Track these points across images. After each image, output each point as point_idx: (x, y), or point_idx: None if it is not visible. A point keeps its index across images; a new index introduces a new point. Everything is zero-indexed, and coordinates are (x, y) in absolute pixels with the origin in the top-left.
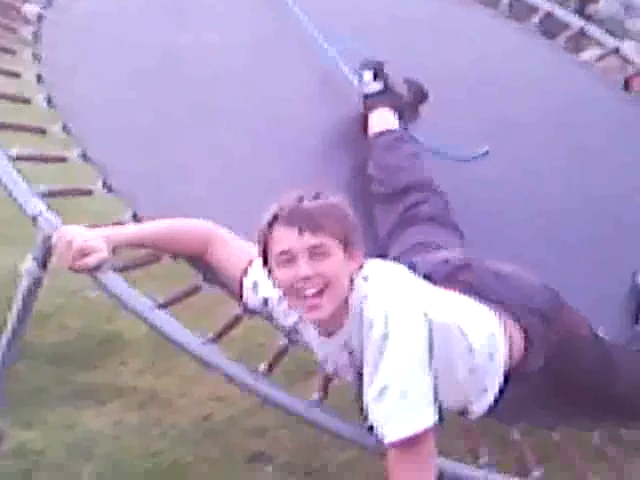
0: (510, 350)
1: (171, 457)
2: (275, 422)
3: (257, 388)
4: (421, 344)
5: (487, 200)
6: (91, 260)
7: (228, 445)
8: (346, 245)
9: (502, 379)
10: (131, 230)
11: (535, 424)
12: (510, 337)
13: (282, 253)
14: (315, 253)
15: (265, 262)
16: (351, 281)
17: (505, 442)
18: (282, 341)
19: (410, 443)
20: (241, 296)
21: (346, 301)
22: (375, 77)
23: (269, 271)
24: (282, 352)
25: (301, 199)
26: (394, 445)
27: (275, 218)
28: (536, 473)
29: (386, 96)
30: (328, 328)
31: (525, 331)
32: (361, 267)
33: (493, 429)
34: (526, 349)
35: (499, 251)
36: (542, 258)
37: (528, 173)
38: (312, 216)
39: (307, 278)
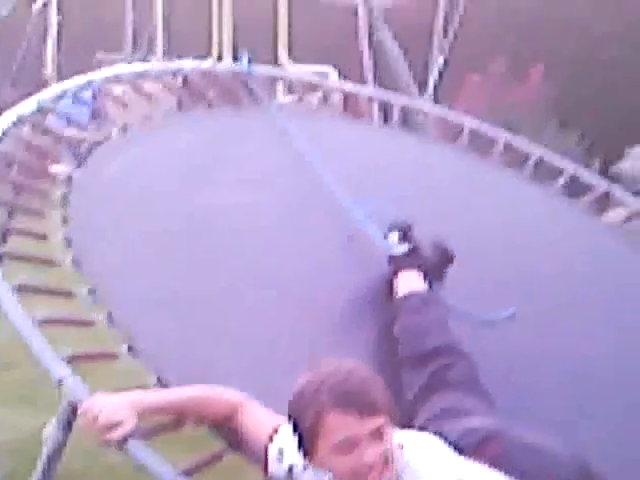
0: None
1: None
2: None
3: None
4: None
5: (516, 363)
6: (116, 435)
7: None
8: (392, 417)
9: None
10: (158, 397)
11: None
12: None
13: (342, 442)
14: (375, 435)
15: (306, 442)
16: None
17: None
18: None
19: None
20: (266, 464)
21: None
22: (402, 239)
23: (311, 453)
24: None
25: (345, 378)
26: None
27: (325, 403)
28: None
29: (412, 258)
30: None
31: None
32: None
33: None
34: None
35: (529, 416)
36: (573, 424)
37: (558, 336)
38: (367, 396)
39: (373, 465)
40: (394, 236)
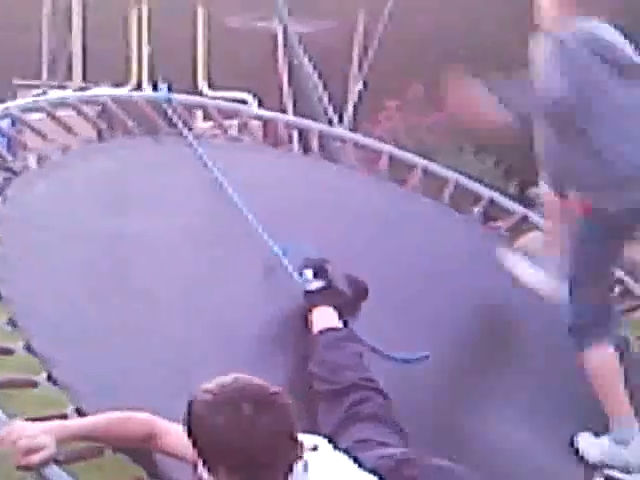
0: None
1: None
2: None
3: None
4: None
5: (429, 400)
6: (35, 458)
7: None
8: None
9: None
10: (75, 424)
11: None
12: None
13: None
14: None
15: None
16: (290, 468)
17: None
18: None
19: None
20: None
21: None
22: (316, 275)
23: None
24: None
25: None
26: None
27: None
28: None
29: (327, 294)
30: None
31: None
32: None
33: None
34: None
35: (442, 449)
36: (488, 459)
37: (468, 375)
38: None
39: None
40: (309, 272)
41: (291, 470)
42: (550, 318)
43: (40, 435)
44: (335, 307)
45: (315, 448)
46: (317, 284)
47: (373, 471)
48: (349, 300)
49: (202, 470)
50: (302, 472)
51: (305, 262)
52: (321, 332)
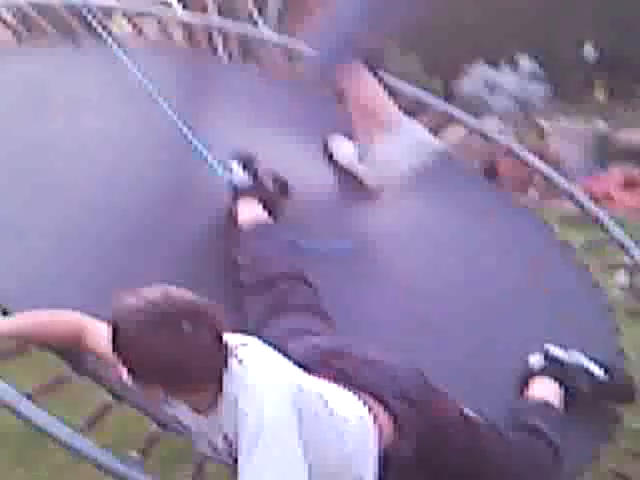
0: (380, 436)
1: None
2: None
3: (129, 475)
4: (293, 436)
5: (355, 290)
6: None
7: None
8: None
9: (376, 465)
10: (2, 322)
11: None
12: (379, 425)
13: None
14: None
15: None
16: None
17: None
18: (154, 427)
19: None
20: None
21: (219, 380)
22: (243, 169)
23: None
24: (154, 439)
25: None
26: None
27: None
28: None
29: (254, 188)
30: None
31: (394, 417)
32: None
33: None
34: (396, 434)
35: (369, 338)
36: (414, 342)
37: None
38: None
39: None
40: (236, 165)
41: (221, 375)
42: None
43: None
44: (260, 201)
45: (245, 344)
46: (244, 178)
47: (300, 363)
48: (274, 195)
49: (128, 378)
50: (239, 367)
51: (232, 155)
52: (247, 224)
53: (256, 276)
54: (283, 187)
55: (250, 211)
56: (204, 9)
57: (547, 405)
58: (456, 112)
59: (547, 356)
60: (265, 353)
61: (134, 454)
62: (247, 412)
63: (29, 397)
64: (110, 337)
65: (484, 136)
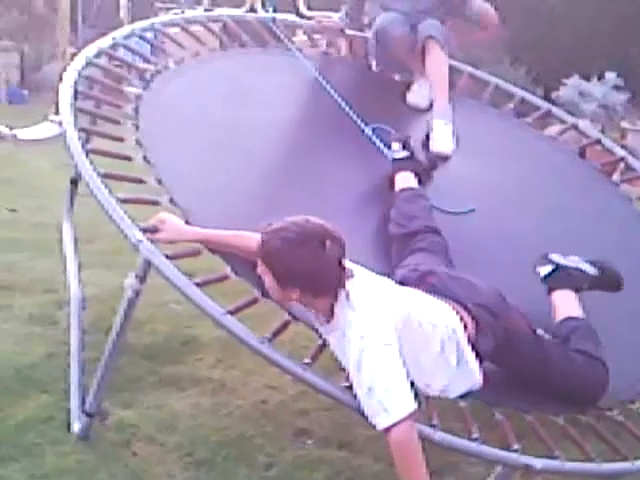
0: (465, 334)
1: (236, 431)
2: (316, 405)
3: (304, 377)
4: (393, 349)
5: (476, 244)
6: (162, 235)
7: (279, 423)
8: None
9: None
10: (205, 231)
11: (511, 407)
12: (465, 325)
13: None
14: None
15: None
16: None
17: (491, 423)
18: (320, 341)
19: (399, 427)
20: None
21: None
22: (402, 147)
23: None
24: (321, 349)
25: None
26: (387, 430)
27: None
28: (515, 447)
29: (409, 162)
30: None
31: (476, 321)
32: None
33: (481, 413)
34: (477, 334)
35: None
36: (504, 281)
37: (504, 222)
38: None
39: None
40: (396, 145)
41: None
42: None
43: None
44: (414, 173)
45: (352, 275)
46: (402, 154)
47: (402, 282)
48: (425, 169)
49: (271, 282)
50: (345, 300)
51: (393, 137)
52: (401, 190)
53: (403, 228)
54: (432, 161)
55: (405, 179)
56: (361, 28)
57: (578, 320)
58: (556, 111)
59: (552, 262)
60: (368, 282)
61: (306, 360)
62: (351, 339)
63: (229, 313)
64: (261, 250)
65: (579, 131)
